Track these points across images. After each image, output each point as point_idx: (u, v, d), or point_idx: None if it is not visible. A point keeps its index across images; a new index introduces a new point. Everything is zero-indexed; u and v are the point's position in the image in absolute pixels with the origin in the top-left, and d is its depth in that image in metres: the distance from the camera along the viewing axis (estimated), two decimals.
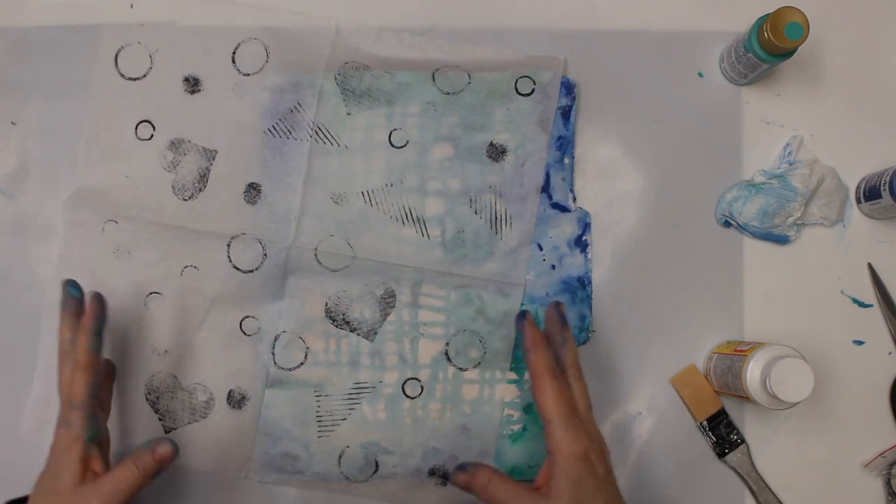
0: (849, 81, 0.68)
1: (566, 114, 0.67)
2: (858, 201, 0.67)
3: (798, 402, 0.57)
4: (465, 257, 0.66)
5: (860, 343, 0.67)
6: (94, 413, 0.56)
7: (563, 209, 0.66)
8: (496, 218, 0.66)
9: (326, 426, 0.65)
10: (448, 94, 0.66)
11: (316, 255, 0.65)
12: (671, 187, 0.67)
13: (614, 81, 0.67)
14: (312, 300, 0.65)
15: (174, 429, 0.65)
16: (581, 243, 0.66)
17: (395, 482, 0.65)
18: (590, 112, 0.68)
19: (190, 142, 0.66)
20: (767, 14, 0.60)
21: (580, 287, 0.66)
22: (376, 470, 0.65)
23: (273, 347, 0.65)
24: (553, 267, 0.66)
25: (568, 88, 0.67)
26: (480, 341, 0.65)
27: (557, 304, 0.59)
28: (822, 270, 0.67)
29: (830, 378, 0.66)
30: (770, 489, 0.65)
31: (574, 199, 0.67)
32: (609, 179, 0.67)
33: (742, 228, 0.66)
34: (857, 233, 0.67)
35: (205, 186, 0.66)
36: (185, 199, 0.66)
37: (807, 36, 0.59)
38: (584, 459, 0.52)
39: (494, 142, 0.66)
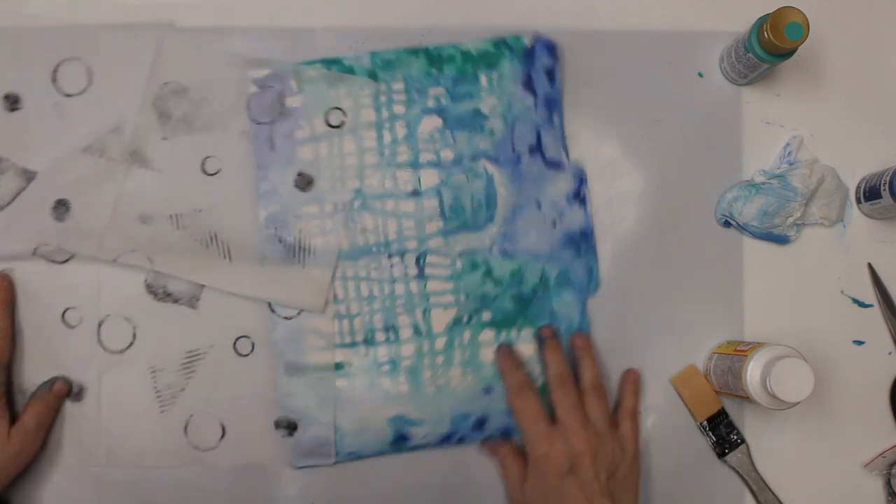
0: (849, 81, 0.68)
1: (550, 73, 0.67)
2: (858, 201, 0.67)
3: (798, 402, 0.57)
4: (465, 225, 0.66)
5: (860, 343, 0.67)
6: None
7: (558, 166, 0.67)
8: (490, 183, 0.66)
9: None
10: (433, 68, 0.67)
11: (117, 263, 0.65)
12: (671, 187, 0.67)
13: (614, 81, 0.67)
14: (130, 279, 0.65)
15: None
16: (579, 197, 0.67)
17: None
18: (590, 111, 0.67)
19: (8, 160, 0.66)
20: (767, 14, 0.60)
21: (583, 240, 0.66)
22: (405, 441, 0.65)
23: (98, 333, 0.65)
24: (554, 224, 0.66)
25: (549, 49, 0.67)
26: (491, 303, 0.66)
27: (579, 334, 0.66)
28: (822, 270, 0.67)
29: (830, 378, 0.66)
30: (770, 489, 0.65)
31: (567, 156, 0.67)
32: (609, 179, 0.67)
33: (742, 228, 0.66)
34: (857, 233, 0.67)
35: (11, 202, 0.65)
36: None
37: (807, 36, 0.59)
38: (546, 463, 0.59)
39: (480, 109, 0.66)
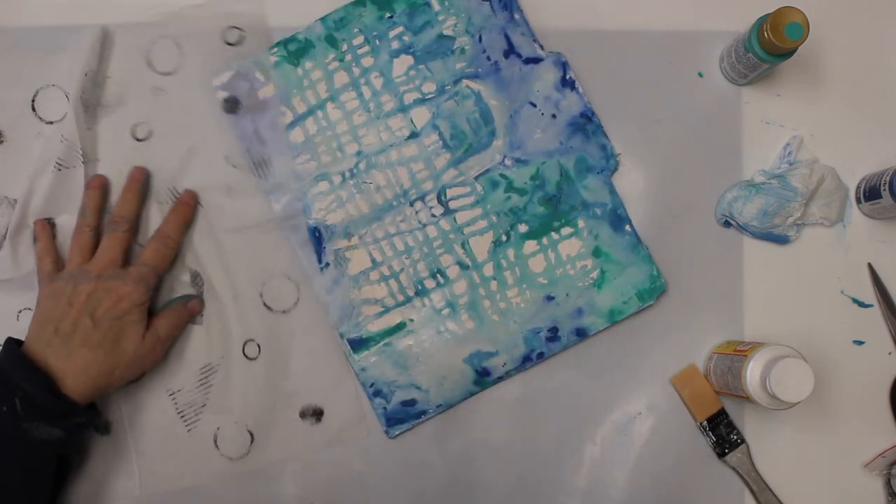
0: (849, 81, 0.68)
1: None
2: (858, 201, 0.67)
3: (798, 402, 0.57)
4: (470, 148, 0.66)
5: (860, 343, 0.67)
6: None
7: (536, 60, 0.67)
8: (480, 99, 0.67)
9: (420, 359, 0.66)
10: (384, 11, 0.67)
11: None
12: (671, 187, 0.67)
13: (614, 81, 0.67)
14: None
15: None
16: (568, 83, 0.67)
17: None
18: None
19: None
20: (767, 14, 0.60)
21: (587, 121, 0.67)
22: (487, 376, 0.65)
23: None
24: (553, 116, 0.66)
25: None
26: (523, 214, 0.66)
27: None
28: (822, 270, 0.67)
29: (830, 378, 0.66)
30: (770, 489, 0.65)
31: (541, 47, 0.67)
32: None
33: (742, 228, 0.66)
34: (857, 233, 0.67)
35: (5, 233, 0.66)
36: None
37: (807, 36, 0.59)
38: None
39: (443, 33, 0.66)
